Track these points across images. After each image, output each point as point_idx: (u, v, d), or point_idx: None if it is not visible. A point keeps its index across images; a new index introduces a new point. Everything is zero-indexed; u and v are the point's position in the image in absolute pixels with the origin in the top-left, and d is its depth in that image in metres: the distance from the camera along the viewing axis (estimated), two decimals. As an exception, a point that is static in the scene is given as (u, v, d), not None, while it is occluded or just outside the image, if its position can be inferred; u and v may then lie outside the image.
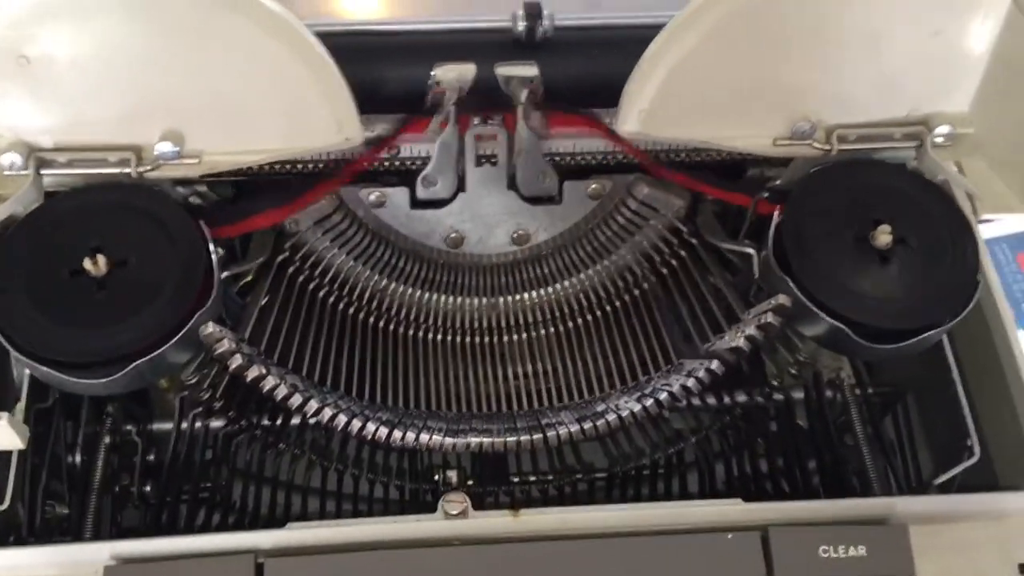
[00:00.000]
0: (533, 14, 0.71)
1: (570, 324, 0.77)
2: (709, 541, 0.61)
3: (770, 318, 0.65)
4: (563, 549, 0.60)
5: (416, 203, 0.77)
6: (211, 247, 0.64)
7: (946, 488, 0.70)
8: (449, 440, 0.64)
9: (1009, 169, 0.72)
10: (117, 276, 0.62)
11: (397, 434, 0.63)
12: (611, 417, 0.65)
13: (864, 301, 0.65)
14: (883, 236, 0.65)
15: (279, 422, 0.69)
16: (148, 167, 0.66)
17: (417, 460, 0.73)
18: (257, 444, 0.70)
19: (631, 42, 0.68)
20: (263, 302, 0.70)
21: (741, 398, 0.74)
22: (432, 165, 0.74)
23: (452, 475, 0.71)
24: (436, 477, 0.71)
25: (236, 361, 0.62)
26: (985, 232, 1.07)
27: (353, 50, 0.67)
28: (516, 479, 0.73)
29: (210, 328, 0.62)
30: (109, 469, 0.69)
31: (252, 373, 0.62)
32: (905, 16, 0.65)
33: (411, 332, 0.75)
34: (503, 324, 0.77)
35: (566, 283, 0.78)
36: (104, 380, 0.61)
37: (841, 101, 0.70)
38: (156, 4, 0.61)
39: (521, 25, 0.71)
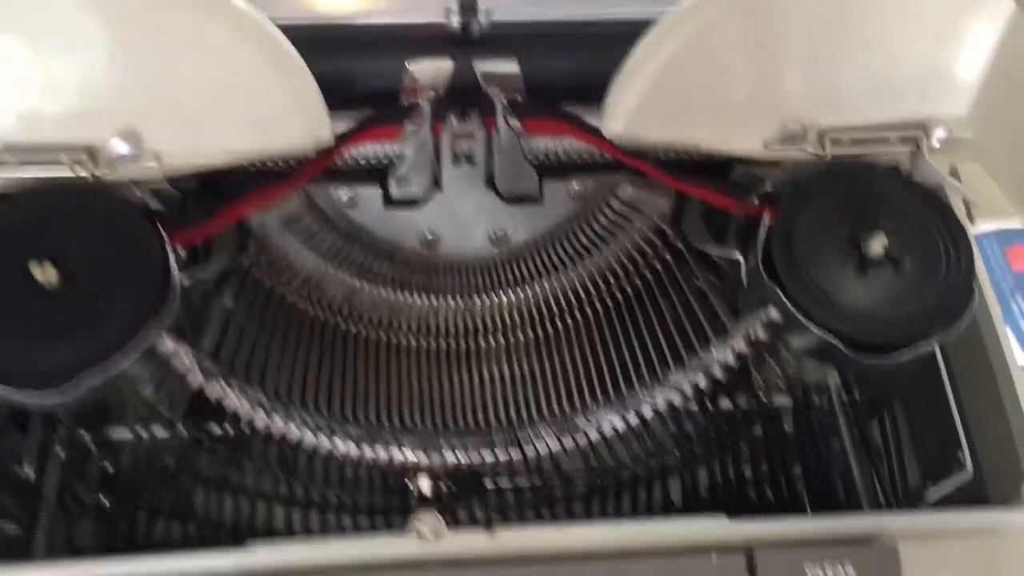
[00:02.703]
0: (468, 8, 0.68)
1: (549, 328, 0.74)
2: (693, 562, 0.58)
3: (760, 335, 0.62)
4: (541, 572, 0.58)
5: (390, 202, 0.74)
6: (170, 253, 0.61)
7: (938, 503, 0.68)
8: (423, 456, 0.61)
9: (1005, 175, 0.69)
10: (69, 285, 0.59)
11: (367, 450, 0.60)
12: (592, 433, 0.62)
13: (855, 313, 0.62)
14: (876, 245, 0.63)
15: (243, 435, 0.66)
16: (105, 169, 0.63)
17: (391, 479, 0.70)
18: (219, 457, 0.67)
19: (571, 38, 0.66)
20: (228, 307, 0.67)
21: (726, 405, 0.72)
22: (406, 164, 0.71)
23: (424, 483, 0.67)
24: (408, 484, 0.68)
25: (197, 378, 0.59)
26: (973, 228, 1.05)
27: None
28: (492, 486, 0.71)
29: (167, 343, 0.58)
30: (63, 480, 0.66)
31: (212, 392, 0.59)
32: (905, 18, 0.63)
33: (384, 336, 0.72)
34: (480, 327, 0.74)
35: (546, 285, 0.75)
36: (56, 399, 0.57)
37: (834, 103, 0.67)
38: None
39: (455, 20, 0.68)
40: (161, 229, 0.62)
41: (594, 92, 0.66)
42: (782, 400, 0.75)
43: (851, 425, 0.77)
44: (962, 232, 0.65)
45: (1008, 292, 1.05)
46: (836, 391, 0.77)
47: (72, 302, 0.58)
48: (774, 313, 0.62)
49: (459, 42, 0.68)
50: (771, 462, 0.74)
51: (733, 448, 0.73)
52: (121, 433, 0.70)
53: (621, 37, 0.63)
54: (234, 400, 0.59)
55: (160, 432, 0.66)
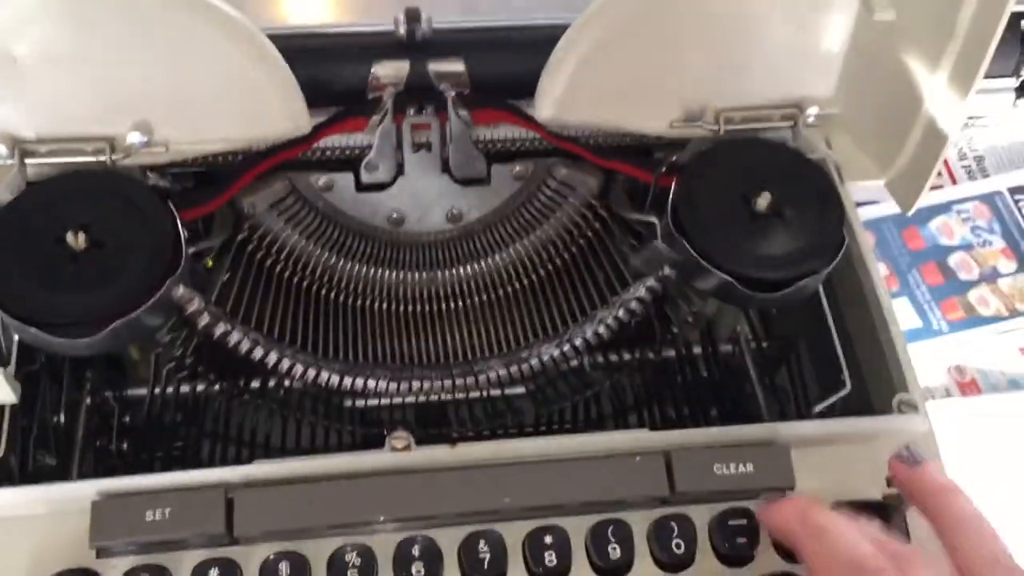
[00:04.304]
0: (413, 17, 0.80)
1: (500, 292, 0.86)
2: (620, 463, 0.70)
3: (666, 270, 0.75)
4: (494, 474, 0.69)
5: (360, 187, 0.86)
6: (179, 222, 0.73)
7: (826, 416, 0.80)
8: (393, 385, 0.73)
9: (869, 143, 0.83)
10: (96, 249, 0.70)
11: (348, 381, 0.73)
12: (534, 361, 0.75)
13: (747, 256, 0.75)
14: (763, 201, 0.76)
15: (243, 380, 0.78)
16: (121, 155, 0.75)
17: (369, 416, 0.82)
18: (223, 397, 0.78)
19: (504, 41, 0.78)
20: (225, 276, 0.79)
21: (648, 352, 0.84)
22: (373, 152, 0.84)
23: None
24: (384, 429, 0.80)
25: (205, 319, 0.71)
26: (872, 213, 1.21)
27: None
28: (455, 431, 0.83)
29: (182, 291, 0.70)
30: (91, 427, 0.77)
31: (219, 329, 0.71)
32: (773, 14, 0.77)
33: (359, 302, 0.84)
34: (441, 294, 0.86)
35: (496, 257, 0.88)
36: (86, 340, 0.68)
37: (727, 87, 0.80)
38: (128, 7, 0.69)
39: (402, 28, 0.80)
40: (171, 205, 0.74)
41: (528, 86, 0.79)
42: (698, 349, 0.88)
43: (760, 370, 0.89)
44: (834, 190, 0.78)
45: (905, 267, 1.20)
46: (745, 340, 0.90)
47: (99, 264, 0.70)
48: (676, 255, 0.75)
49: (405, 46, 0.80)
50: (690, 402, 0.86)
51: (658, 389, 0.86)
52: (137, 390, 0.82)
53: (546, 40, 0.77)
54: (236, 336, 0.71)
55: (174, 377, 0.77)
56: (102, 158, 0.75)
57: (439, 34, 0.81)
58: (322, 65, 0.79)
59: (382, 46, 0.80)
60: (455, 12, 0.83)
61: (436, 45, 0.81)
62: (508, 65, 0.81)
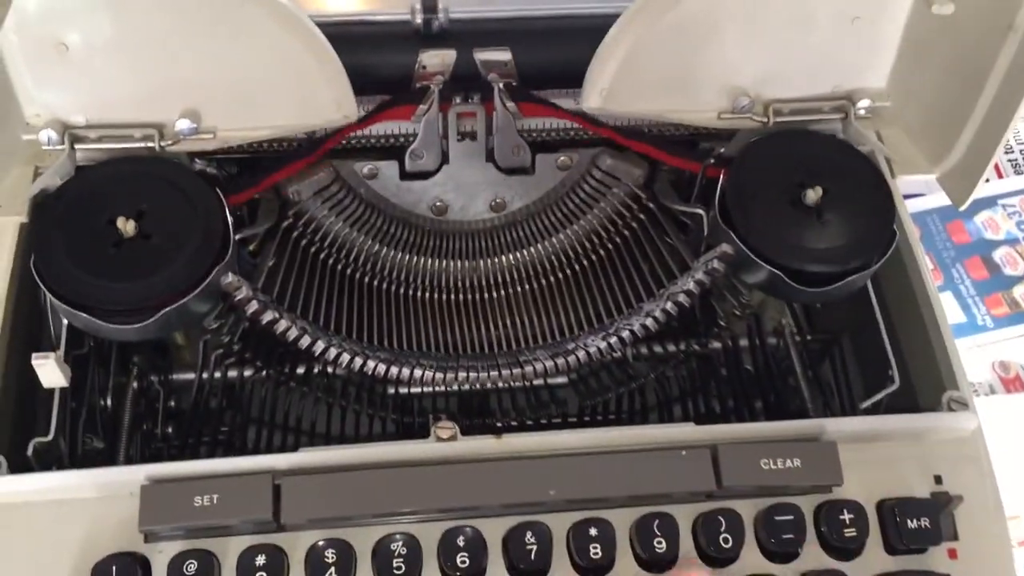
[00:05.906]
0: (430, 7, 0.80)
1: (543, 282, 0.85)
2: (667, 456, 0.70)
3: (716, 264, 0.75)
4: (539, 466, 0.69)
5: (405, 175, 0.86)
6: (227, 208, 0.73)
7: (872, 412, 0.79)
8: (439, 375, 0.73)
9: (920, 136, 0.82)
10: (145, 236, 0.70)
11: (394, 370, 0.72)
12: (580, 353, 0.74)
13: (796, 250, 0.74)
14: (813, 194, 0.75)
15: (289, 367, 0.78)
16: (169, 142, 0.75)
17: (412, 404, 0.82)
18: (270, 383, 0.79)
19: (518, 32, 0.78)
20: (270, 263, 0.79)
21: (694, 344, 0.84)
22: (418, 140, 0.83)
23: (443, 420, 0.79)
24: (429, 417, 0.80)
25: (253, 306, 0.71)
26: (917, 205, 1.19)
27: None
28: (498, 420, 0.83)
29: (230, 278, 0.70)
30: (137, 411, 0.78)
31: (267, 316, 0.71)
32: (828, 5, 0.76)
33: (402, 291, 0.84)
34: (484, 283, 0.86)
35: (539, 246, 0.87)
36: (136, 326, 0.69)
37: (776, 79, 0.80)
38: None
39: (419, 18, 0.80)
40: (219, 192, 0.74)
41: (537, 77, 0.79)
42: (743, 341, 0.87)
43: (804, 362, 0.88)
44: (884, 184, 0.78)
45: (949, 261, 1.18)
46: (790, 334, 0.89)
47: (150, 251, 0.70)
48: (727, 247, 0.74)
49: (421, 36, 0.80)
50: (735, 394, 0.85)
51: (703, 381, 0.85)
52: (182, 375, 0.82)
53: (573, 30, 0.76)
54: (284, 323, 0.71)
55: (221, 364, 0.78)
56: (150, 144, 0.75)
57: (456, 24, 0.80)
58: (361, 54, 0.79)
59: (397, 36, 0.80)
60: (472, 2, 0.82)
61: (453, 35, 0.80)
62: (547, 54, 0.80)
